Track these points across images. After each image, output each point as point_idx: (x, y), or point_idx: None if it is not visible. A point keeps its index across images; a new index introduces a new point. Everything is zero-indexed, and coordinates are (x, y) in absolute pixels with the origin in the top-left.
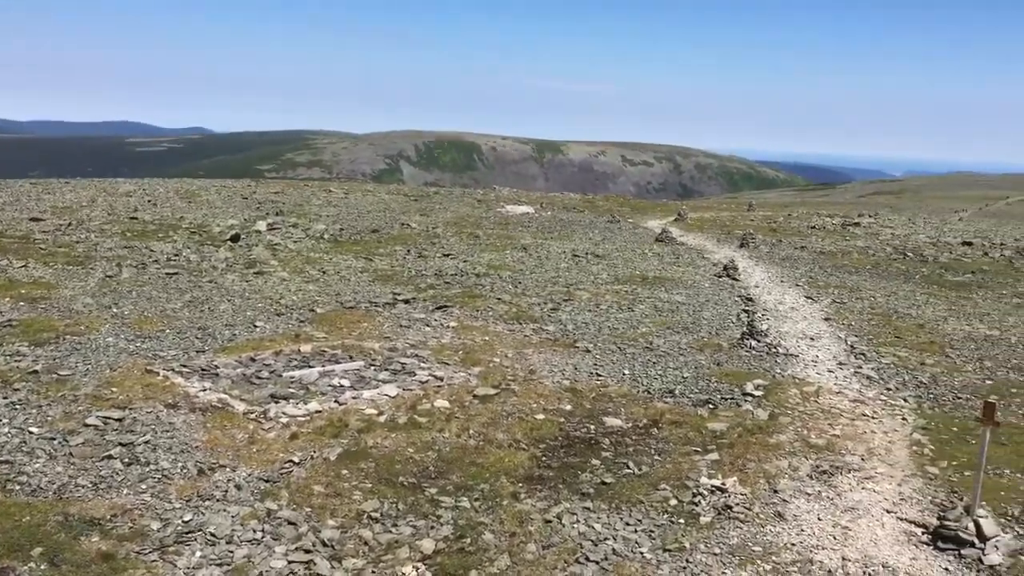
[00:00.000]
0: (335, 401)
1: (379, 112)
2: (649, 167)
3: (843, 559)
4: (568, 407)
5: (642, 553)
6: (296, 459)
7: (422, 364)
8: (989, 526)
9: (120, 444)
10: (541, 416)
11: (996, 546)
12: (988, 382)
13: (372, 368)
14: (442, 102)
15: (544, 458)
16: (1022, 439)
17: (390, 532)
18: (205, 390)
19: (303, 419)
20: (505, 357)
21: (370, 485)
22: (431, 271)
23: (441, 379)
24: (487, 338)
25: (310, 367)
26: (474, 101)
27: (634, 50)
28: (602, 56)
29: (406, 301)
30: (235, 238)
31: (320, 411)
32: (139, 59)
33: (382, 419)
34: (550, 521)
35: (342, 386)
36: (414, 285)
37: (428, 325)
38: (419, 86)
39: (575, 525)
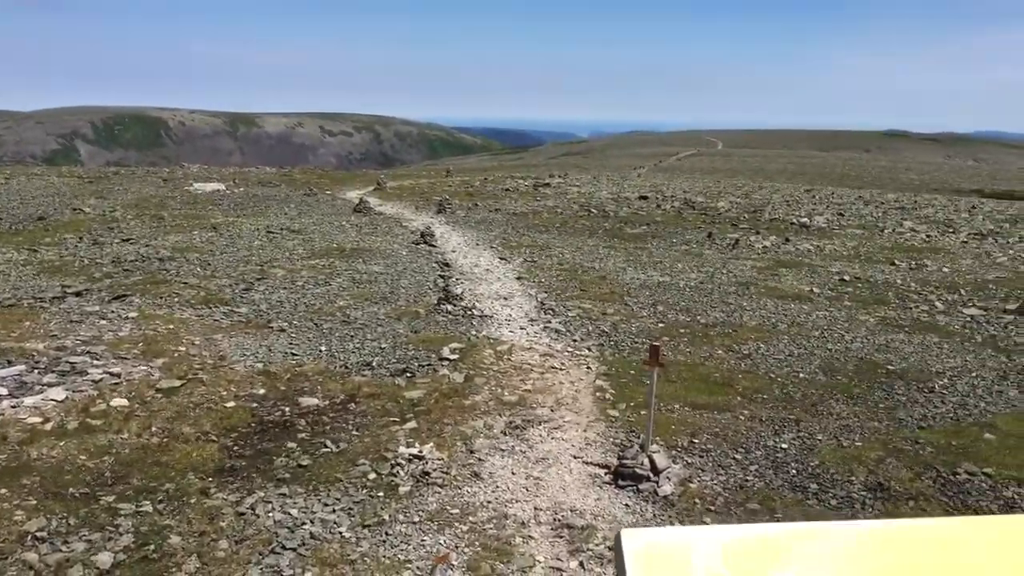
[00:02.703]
0: None
1: (47, 88)
2: (349, 137)
3: (535, 509)
4: (261, 391)
5: (341, 533)
6: None
7: (95, 361)
8: (661, 459)
9: None
10: (232, 404)
11: (668, 477)
12: (660, 325)
13: (35, 371)
14: (120, 75)
15: (236, 448)
16: (689, 375)
17: (60, 551)
18: None
19: None
20: (192, 345)
21: (35, 502)
22: (108, 259)
23: (118, 375)
24: (172, 326)
25: None
26: (157, 74)
27: (325, 20)
28: (293, 24)
29: (77, 294)
30: None
31: None
32: None
33: (48, 427)
34: (243, 513)
35: None
36: (87, 275)
37: (103, 318)
38: (92, 57)
39: (270, 514)
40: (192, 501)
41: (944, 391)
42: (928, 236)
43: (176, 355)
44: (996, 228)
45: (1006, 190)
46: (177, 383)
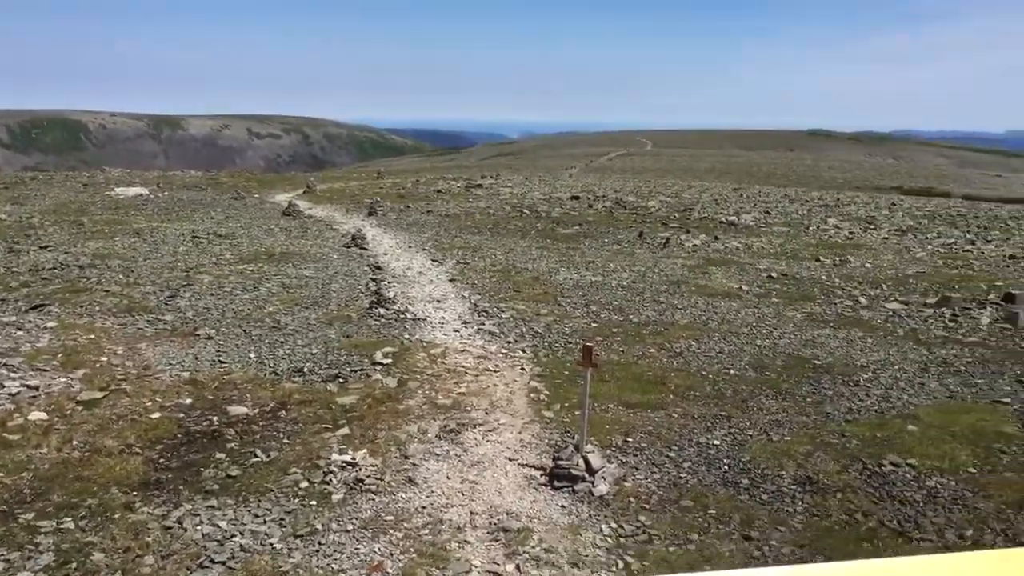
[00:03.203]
0: None
1: None
2: (278, 139)
3: (471, 513)
4: (188, 400)
5: (272, 544)
6: None
7: (12, 374)
8: (596, 460)
9: None
10: (157, 415)
11: (603, 477)
12: (594, 325)
13: None
14: (37, 76)
15: (162, 460)
16: (622, 374)
17: None
18: None
19: None
20: (114, 354)
21: None
22: (25, 267)
23: (36, 388)
24: (93, 336)
25: None
26: (77, 75)
27: (251, 19)
28: (218, 23)
29: None
30: None
31: None
32: None
33: None
34: (170, 527)
35: None
36: (3, 284)
37: (20, 329)
38: (7, 58)
39: (198, 527)
40: (116, 516)
41: (868, 384)
42: (851, 233)
43: (98, 366)
44: (915, 224)
45: (924, 187)
46: (99, 395)
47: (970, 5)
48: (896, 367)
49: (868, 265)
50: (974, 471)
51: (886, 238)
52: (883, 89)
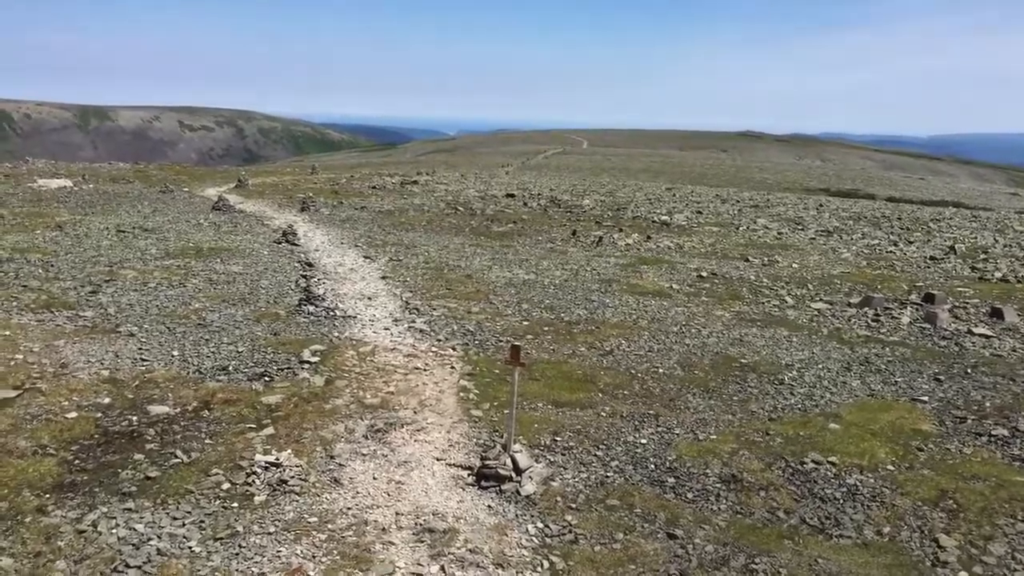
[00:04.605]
0: None
1: None
2: (210, 132)
3: (396, 514)
4: (107, 400)
5: (191, 547)
6: None
7: None
8: (523, 459)
9: None
10: (74, 414)
11: (531, 477)
12: (525, 323)
13: None
14: None
15: (77, 461)
16: (552, 373)
17: None
18: None
19: None
20: (31, 352)
21: None
22: None
23: None
24: (8, 333)
25: None
26: (1, 63)
27: (184, 6)
28: (147, 10)
29: None
30: None
31: None
32: None
33: None
34: (84, 531)
35: None
36: None
37: None
38: None
39: (114, 530)
40: (27, 520)
41: (793, 383)
42: (779, 233)
43: (12, 364)
44: (841, 225)
45: (850, 189)
46: (12, 394)
47: (897, 12)
48: (820, 366)
49: (795, 265)
50: (892, 468)
51: (813, 239)
52: (812, 92)
